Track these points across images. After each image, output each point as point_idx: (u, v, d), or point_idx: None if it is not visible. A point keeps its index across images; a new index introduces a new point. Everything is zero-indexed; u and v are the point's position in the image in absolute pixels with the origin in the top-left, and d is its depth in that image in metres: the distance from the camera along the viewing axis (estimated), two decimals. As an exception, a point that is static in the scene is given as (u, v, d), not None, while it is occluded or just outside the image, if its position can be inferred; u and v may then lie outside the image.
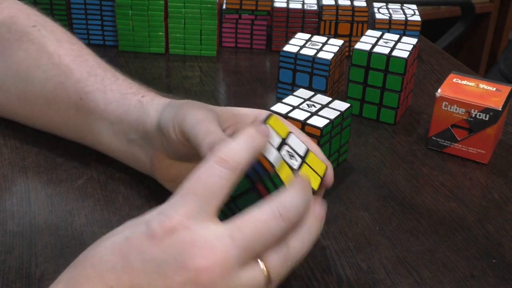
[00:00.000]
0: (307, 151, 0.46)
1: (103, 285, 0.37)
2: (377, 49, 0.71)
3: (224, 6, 0.89)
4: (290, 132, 0.46)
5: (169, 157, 0.54)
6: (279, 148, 0.43)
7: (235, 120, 0.51)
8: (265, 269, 0.39)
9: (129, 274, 0.37)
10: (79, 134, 0.61)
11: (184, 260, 0.37)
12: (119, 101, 0.57)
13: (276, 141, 0.43)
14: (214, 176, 0.39)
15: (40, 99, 0.61)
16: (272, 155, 0.42)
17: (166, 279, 0.37)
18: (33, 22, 0.64)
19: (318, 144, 0.59)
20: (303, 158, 0.45)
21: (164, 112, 0.52)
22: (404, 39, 0.73)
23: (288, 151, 0.44)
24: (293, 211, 0.40)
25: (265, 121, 0.44)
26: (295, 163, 0.44)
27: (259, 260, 0.39)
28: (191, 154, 0.51)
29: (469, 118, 0.65)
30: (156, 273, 0.37)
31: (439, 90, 0.66)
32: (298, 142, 0.46)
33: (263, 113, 0.51)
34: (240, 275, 0.38)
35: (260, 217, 0.39)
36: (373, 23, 0.86)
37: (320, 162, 0.47)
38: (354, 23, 0.88)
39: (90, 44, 0.66)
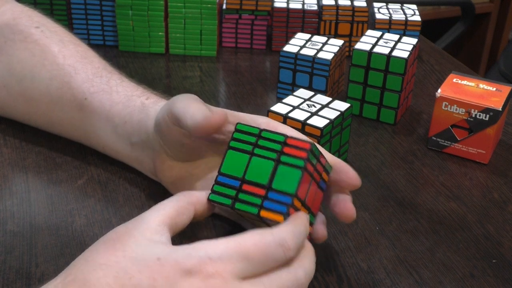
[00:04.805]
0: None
1: None
2: (377, 49, 0.71)
3: (224, 6, 0.89)
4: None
5: (169, 157, 0.54)
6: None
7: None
8: None
9: None
10: (83, 135, 0.61)
11: None
12: (125, 102, 0.57)
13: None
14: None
15: (44, 97, 0.61)
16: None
17: None
18: (36, 24, 0.64)
19: (318, 144, 0.59)
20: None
21: (160, 109, 0.53)
22: (404, 39, 0.73)
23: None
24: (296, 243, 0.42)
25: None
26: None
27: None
28: (188, 150, 0.52)
29: (469, 118, 0.65)
30: None
31: (439, 90, 0.66)
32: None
33: (259, 119, 0.51)
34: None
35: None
36: (373, 23, 0.86)
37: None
38: (354, 23, 0.88)
39: (90, 44, 0.66)
